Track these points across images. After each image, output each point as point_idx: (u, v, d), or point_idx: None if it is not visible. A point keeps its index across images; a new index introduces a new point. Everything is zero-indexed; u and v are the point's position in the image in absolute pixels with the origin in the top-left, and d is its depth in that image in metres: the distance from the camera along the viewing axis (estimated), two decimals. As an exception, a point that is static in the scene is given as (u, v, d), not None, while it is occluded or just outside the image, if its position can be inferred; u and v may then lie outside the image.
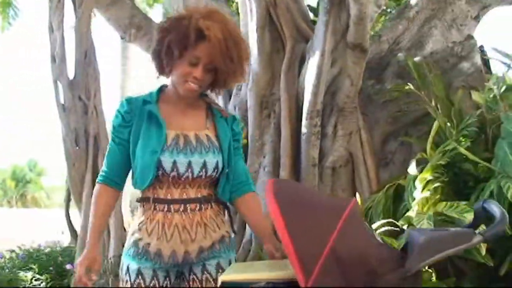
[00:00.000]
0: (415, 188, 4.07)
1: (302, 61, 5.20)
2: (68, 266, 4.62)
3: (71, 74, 5.02)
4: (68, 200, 5.21)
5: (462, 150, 3.84)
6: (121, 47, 11.76)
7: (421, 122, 5.18)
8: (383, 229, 3.90)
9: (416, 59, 5.13)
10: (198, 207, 2.04)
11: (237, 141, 2.21)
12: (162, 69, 2.08)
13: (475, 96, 4.48)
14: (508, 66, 4.58)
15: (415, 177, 4.15)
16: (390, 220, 4.06)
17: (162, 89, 2.16)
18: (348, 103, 4.90)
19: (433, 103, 4.72)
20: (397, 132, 5.27)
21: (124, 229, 4.42)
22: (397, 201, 4.45)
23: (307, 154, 4.80)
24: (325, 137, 4.95)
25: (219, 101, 5.82)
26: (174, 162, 2.00)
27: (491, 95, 4.19)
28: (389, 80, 5.35)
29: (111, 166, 2.10)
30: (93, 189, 3.93)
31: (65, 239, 6.10)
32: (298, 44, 5.27)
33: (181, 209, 2.02)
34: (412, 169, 4.24)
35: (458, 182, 4.17)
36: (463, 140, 4.15)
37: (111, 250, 4.24)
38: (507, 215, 1.45)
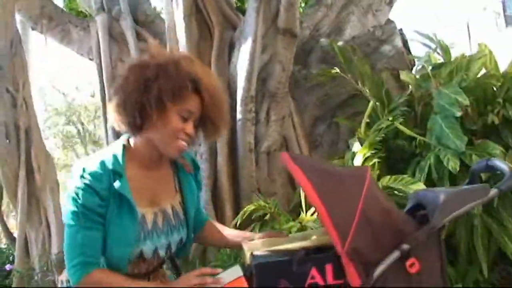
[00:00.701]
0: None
1: (231, 48, 5.22)
2: (8, 267, 4.40)
3: (-4, 65, 4.72)
4: (0, 199, 4.91)
5: (399, 126, 4.04)
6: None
7: (347, 105, 5.38)
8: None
9: (339, 43, 5.30)
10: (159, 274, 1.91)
11: (200, 190, 2.07)
12: (137, 124, 1.71)
13: (404, 75, 4.70)
14: (429, 47, 4.86)
15: (353, 155, 4.33)
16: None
17: (125, 148, 1.81)
18: (280, 88, 4.98)
19: (359, 85, 4.92)
20: (324, 115, 5.44)
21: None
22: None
23: (243, 140, 4.84)
24: (258, 123, 5.01)
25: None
26: (156, 249, 1.82)
27: (420, 74, 4.43)
28: (313, 65, 5.50)
29: (95, 251, 1.71)
30: (28, 185, 3.76)
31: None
32: (226, 31, 5.28)
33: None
34: (353, 147, 4.39)
35: (393, 158, 4.38)
36: (395, 119, 4.36)
37: (53, 247, 4.07)
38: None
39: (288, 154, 1.55)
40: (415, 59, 5.16)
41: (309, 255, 1.40)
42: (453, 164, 3.56)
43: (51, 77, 18.68)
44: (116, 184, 1.69)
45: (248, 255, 1.55)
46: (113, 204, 1.70)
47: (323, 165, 1.56)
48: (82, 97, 18.68)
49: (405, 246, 1.40)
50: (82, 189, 1.67)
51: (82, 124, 18.44)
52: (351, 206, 1.40)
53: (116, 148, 1.79)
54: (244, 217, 4.32)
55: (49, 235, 4.16)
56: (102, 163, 1.71)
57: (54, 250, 4.07)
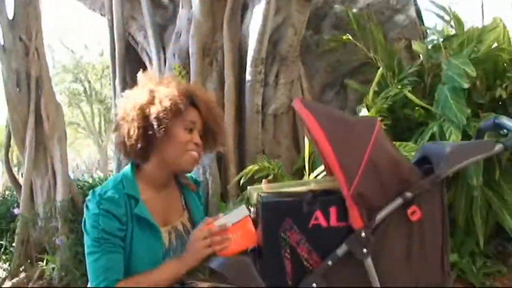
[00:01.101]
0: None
1: (244, 9, 5.21)
2: (16, 211, 4.47)
3: (10, 14, 4.72)
4: (8, 145, 4.95)
5: (408, 94, 4.06)
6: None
7: (357, 72, 5.39)
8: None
9: (354, 10, 5.29)
10: None
11: (202, 204, 2.09)
12: (144, 150, 1.78)
13: (416, 46, 4.72)
14: (442, 18, 4.85)
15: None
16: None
17: (135, 172, 1.85)
18: (290, 52, 4.98)
19: (371, 53, 4.92)
20: (334, 82, 5.45)
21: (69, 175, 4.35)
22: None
23: (251, 102, 4.86)
24: (267, 86, 5.01)
25: (152, 48, 5.72)
26: None
27: (432, 45, 4.43)
28: (326, 31, 5.49)
29: (119, 274, 1.71)
30: (36, 133, 3.79)
31: None
32: (239, -8, 5.25)
33: None
34: (364, 111, 4.41)
35: (399, 127, 4.41)
36: (404, 87, 4.38)
37: (58, 195, 4.13)
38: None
39: (300, 99, 1.58)
40: (428, 30, 5.15)
41: (315, 197, 1.43)
42: (454, 137, 3.59)
43: (60, 34, 18.64)
44: (136, 209, 1.74)
45: (254, 196, 1.59)
46: (135, 227, 1.73)
47: (334, 112, 1.58)
48: (90, 56, 18.67)
49: (408, 194, 1.44)
50: (101, 215, 1.70)
51: (89, 82, 18.47)
52: (359, 152, 1.43)
53: (126, 173, 1.83)
54: (247, 177, 4.36)
55: (55, 183, 4.22)
56: (117, 188, 1.75)
57: (59, 197, 4.13)
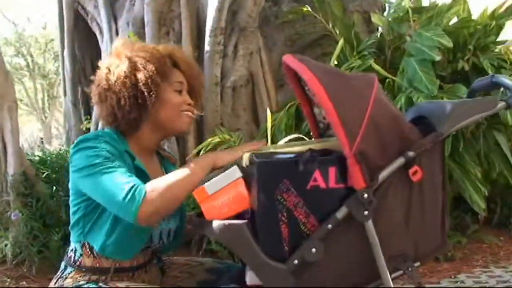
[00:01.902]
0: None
1: (201, -23, 5.05)
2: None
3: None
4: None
5: (374, 65, 4.02)
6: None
7: (316, 45, 5.34)
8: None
9: (313, -18, 5.20)
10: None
11: None
12: (136, 118, 1.69)
13: (375, 18, 4.69)
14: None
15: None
16: (299, 135, 4.18)
17: (121, 137, 1.73)
18: (250, 22, 4.87)
19: (330, 26, 4.88)
20: (293, 54, 5.34)
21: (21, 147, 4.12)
22: (298, 119, 4.60)
23: (210, 73, 4.74)
24: (225, 57, 4.90)
25: (103, 18, 5.50)
26: (161, 234, 1.74)
27: (394, 17, 4.40)
28: (285, 2, 5.39)
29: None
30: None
31: None
32: (197, -41, 5.08)
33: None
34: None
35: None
36: (364, 60, 4.35)
37: (10, 168, 3.91)
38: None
39: (291, 55, 1.48)
40: (387, 4, 5.13)
41: (314, 157, 1.34)
42: (425, 107, 3.59)
43: (0, 6, 17.89)
44: (136, 162, 1.66)
45: (246, 156, 1.48)
46: None
47: (328, 66, 1.50)
48: (33, 29, 17.99)
49: (411, 153, 1.37)
50: (102, 142, 1.60)
51: (32, 56, 17.81)
52: (360, 108, 1.35)
53: (110, 133, 1.70)
54: (206, 150, 4.26)
55: (5, 155, 3.98)
56: (109, 140, 1.64)
57: (10, 171, 3.91)
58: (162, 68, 1.69)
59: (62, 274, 1.69)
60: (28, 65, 17.84)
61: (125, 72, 1.67)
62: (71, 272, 1.68)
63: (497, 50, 4.14)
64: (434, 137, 1.41)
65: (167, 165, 1.90)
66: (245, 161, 1.49)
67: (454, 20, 4.43)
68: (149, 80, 1.65)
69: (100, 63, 1.79)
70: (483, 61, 3.87)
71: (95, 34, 5.90)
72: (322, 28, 5.01)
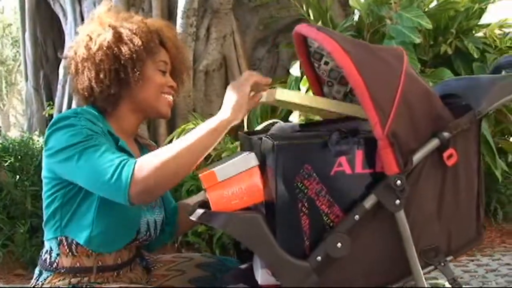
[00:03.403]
0: (297, 89, 4.09)
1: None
2: None
3: None
4: None
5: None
6: None
7: (290, 29, 5.14)
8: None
9: (286, -36, 5.05)
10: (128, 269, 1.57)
11: None
12: (116, 95, 1.51)
13: (352, 1, 4.55)
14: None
15: (296, 79, 4.18)
16: (276, 120, 4.07)
17: (101, 114, 1.55)
18: (223, 4, 4.68)
19: (303, 10, 4.75)
20: (266, 38, 5.22)
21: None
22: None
23: (182, 56, 4.53)
24: (197, 40, 4.71)
25: None
26: (148, 225, 1.55)
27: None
28: (259, -15, 5.22)
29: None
30: None
31: None
32: None
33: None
34: (295, 70, 4.23)
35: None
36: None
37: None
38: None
39: (306, 24, 1.31)
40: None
41: (339, 138, 1.17)
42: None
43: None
44: (120, 143, 1.47)
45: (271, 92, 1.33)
46: None
47: (349, 37, 1.33)
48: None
49: (446, 134, 1.21)
50: (83, 119, 1.41)
51: (-12, 42, 17.18)
52: (391, 83, 1.19)
53: (90, 111, 1.50)
54: (179, 137, 4.07)
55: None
56: (90, 119, 1.45)
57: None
58: (148, 44, 1.51)
59: (37, 281, 1.48)
60: (-16, 51, 17.21)
61: (108, 42, 1.48)
62: (47, 277, 1.46)
63: (480, 33, 4.06)
64: (472, 116, 1.25)
65: (146, 153, 1.69)
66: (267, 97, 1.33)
67: (434, 3, 4.34)
68: (134, 55, 1.48)
69: (79, 29, 1.59)
70: (468, 45, 3.78)
71: (58, 16, 5.65)
72: (296, 12, 4.86)
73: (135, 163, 1.28)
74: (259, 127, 4.00)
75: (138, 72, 1.49)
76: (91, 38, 1.51)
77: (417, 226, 1.23)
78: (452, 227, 1.28)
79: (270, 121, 3.96)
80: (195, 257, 1.78)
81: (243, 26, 5.08)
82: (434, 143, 1.21)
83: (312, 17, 4.65)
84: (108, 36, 1.49)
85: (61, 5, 5.57)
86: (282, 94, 1.34)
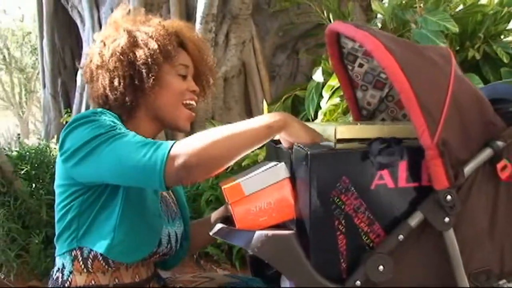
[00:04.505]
0: (318, 97, 3.99)
1: (192, -40, 4.76)
2: None
3: None
4: None
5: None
6: None
7: (310, 35, 5.09)
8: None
9: (308, -31, 4.96)
10: None
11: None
12: (131, 102, 1.41)
13: (375, 6, 4.44)
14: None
15: (317, 86, 4.07)
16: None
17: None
18: (243, 9, 4.58)
19: (324, 15, 4.65)
20: (285, 44, 5.12)
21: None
22: (294, 112, 4.37)
23: (201, 62, 4.44)
24: (216, 46, 4.61)
25: (85, 6, 5.21)
26: (169, 237, 1.45)
27: (397, 3, 4.16)
28: (278, -11, 5.12)
29: None
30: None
31: None
32: None
33: None
34: (318, 76, 4.12)
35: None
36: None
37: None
38: None
39: (342, 21, 1.19)
40: (388, -9, 4.89)
41: (381, 148, 1.04)
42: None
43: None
44: None
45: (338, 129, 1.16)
46: None
47: (391, 34, 1.20)
48: (9, 21, 17.48)
49: (499, 143, 1.08)
50: (103, 115, 1.31)
51: (8, 49, 17.28)
52: (440, 86, 1.06)
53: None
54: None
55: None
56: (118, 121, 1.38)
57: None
58: (165, 47, 1.42)
59: None
60: (4, 59, 17.30)
61: (122, 47, 1.39)
62: None
63: (510, 38, 3.91)
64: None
65: None
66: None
67: (461, 7, 4.22)
68: (149, 59, 1.38)
69: (95, 36, 1.50)
70: (497, 49, 3.63)
71: (75, 23, 5.60)
72: (317, 17, 4.75)
73: (174, 142, 1.17)
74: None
75: (153, 77, 1.39)
76: (105, 44, 1.43)
77: (467, 246, 1.10)
78: (506, 247, 1.14)
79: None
80: (216, 277, 1.67)
81: (262, 32, 4.99)
82: (487, 153, 1.08)
83: (332, 22, 4.55)
84: (122, 41, 1.40)
85: (78, 12, 5.52)
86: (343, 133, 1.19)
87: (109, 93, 1.40)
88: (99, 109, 1.35)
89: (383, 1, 4.96)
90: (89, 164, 1.23)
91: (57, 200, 1.38)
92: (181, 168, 1.13)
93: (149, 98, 1.42)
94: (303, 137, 1.18)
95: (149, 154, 1.14)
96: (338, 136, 1.14)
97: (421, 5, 3.81)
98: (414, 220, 1.06)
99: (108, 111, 1.36)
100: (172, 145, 1.15)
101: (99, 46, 1.44)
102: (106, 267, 1.34)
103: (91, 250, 1.33)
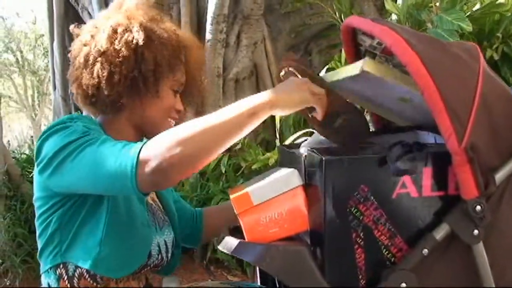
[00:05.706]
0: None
1: (203, -40, 4.69)
2: None
3: None
4: None
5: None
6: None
7: (322, 36, 5.02)
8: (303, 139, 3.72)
9: (320, -31, 4.88)
10: None
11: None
12: (121, 103, 1.31)
13: (389, 5, 4.35)
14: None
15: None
16: (310, 130, 3.90)
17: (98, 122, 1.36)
18: (254, 9, 4.50)
19: (336, 15, 4.57)
20: (298, 45, 5.04)
21: None
22: (306, 113, 4.28)
23: (212, 64, 4.36)
24: (227, 47, 4.54)
25: (95, 7, 5.16)
26: (159, 247, 1.37)
27: (413, 3, 4.07)
28: (290, -10, 5.05)
29: None
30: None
31: None
32: None
33: None
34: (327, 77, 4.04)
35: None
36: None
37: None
38: None
39: (358, 16, 1.10)
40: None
41: (403, 153, 0.95)
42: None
43: (-12, 1, 17.50)
44: None
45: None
46: None
47: (412, 30, 1.10)
48: (22, 24, 17.57)
49: (534, 148, 0.99)
50: (78, 121, 1.21)
51: (21, 52, 17.35)
52: (467, 84, 0.97)
53: (94, 120, 1.35)
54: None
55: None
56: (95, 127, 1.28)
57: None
58: (173, 60, 1.32)
59: None
60: (17, 61, 17.38)
61: (137, 43, 1.26)
62: None
63: (529, 38, 3.81)
64: None
65: None
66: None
67: (478, 6, 4.12)
68: (157, 68, 1.28)
69: (100, 14, 1.36)
70: (516, 49, 3.54)
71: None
72: (329, 17, 4.67)
73: (144, 142, 1.06)
74: (291, 138, 3.80)
75: (155, 87, 1.29)
76: (116, 31, 1.28)
77: (498, 261, 1.00)
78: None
79: (304, 131, 3.77)
80: (211, 286, 1.58)
81: (274, 32, 4.91)
82: (520, 157, 0.99)
83: (345, 22, 4.48)
84: (139, 36, 1.27)
85: (89, 13, 5.49)
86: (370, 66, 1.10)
87: (104, 87, 1.26)
88: (75, 115, 1.26)
89: (397, 1, 4.88)
90: (64, 173, 1.14)
91: (36, 214, 1.28)
92: (154, 173, 1.01)
93: (141, 105, 1.31)
94: (298, 101, 1.11)
95: (120, 160, 1.04)
96: (365, 68, 1.06)
97: (437, 3, 3.71)
98: (440, 232, 0.96)
99: (86, 116, 1.27)
100: (141, 148, 1.04)
101: (108, 30, 1.28)
102: (94, 284, 1.23)
103: (76, 267, 1.23)
